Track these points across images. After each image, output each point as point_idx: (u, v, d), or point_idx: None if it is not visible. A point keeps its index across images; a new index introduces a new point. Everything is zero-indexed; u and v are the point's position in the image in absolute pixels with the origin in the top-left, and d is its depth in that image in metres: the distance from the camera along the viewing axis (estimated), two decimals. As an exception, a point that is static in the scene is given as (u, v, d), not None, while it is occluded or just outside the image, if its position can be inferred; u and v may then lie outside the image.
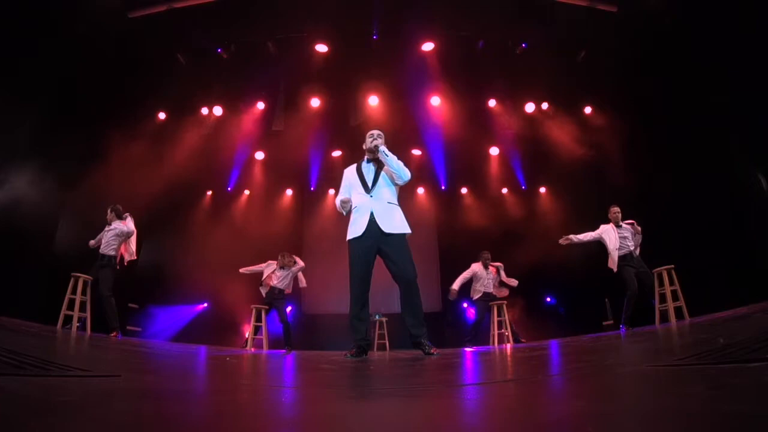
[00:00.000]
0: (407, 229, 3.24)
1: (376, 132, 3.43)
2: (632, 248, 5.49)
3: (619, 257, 5.49)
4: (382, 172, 3.33)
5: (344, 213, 3.35)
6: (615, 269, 5.51)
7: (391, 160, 3.27)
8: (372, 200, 3.23)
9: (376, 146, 3.30)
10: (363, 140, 3.50)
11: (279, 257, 6.50)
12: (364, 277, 3.14)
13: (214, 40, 7.41)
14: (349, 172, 3.48)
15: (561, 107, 8.65)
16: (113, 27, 6.42)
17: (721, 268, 5.80)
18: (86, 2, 5.99)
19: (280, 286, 6.40)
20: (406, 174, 3.30)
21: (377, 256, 3.21)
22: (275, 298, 6.37)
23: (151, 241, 9.24)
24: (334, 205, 3.58)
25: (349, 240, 3.24)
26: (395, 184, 3.36)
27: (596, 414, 0.72)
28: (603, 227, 5.74)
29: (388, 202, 3.26)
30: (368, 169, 3.39)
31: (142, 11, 6.46)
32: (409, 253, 3.16)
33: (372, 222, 3.15)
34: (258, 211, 9.91)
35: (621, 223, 5.62)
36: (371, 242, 3.14)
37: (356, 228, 3.20)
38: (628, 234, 5.53)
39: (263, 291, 6.51)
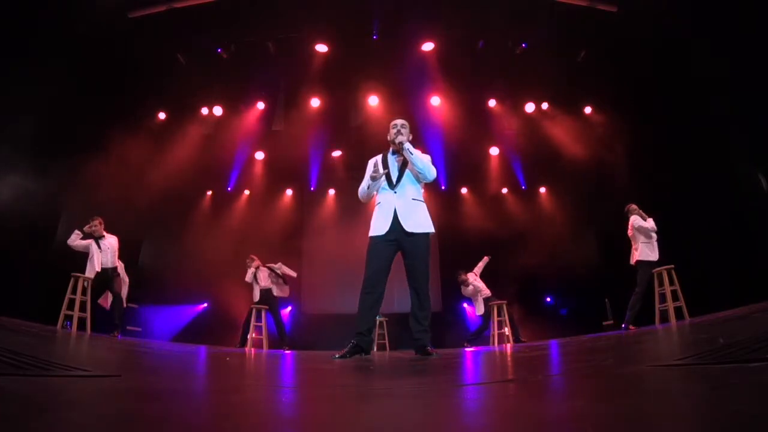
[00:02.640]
0: (430, 228, 3.12)
1: (399, 122, 3.21)
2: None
3: (648, 262, 5.53)
4: (407, 168, 3.18)
5: (371, 183, 3.14)
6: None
7: (416, 159, 3.09)
8: (396, 197, 3.11)
9: (401, 143, 3.11)
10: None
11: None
12: (381, 276, 3.03)
13: (214, 40, 7.41)
14: (374, 161, 3.28)
15: (561, 107, 8.66)
16: (113, 27, 6.42)
17: (721, 268, 5.80)
18: (86, 2, 5.99)
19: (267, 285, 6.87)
20: (431, 173, 3.15)
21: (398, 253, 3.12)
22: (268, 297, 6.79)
23: (151, 241, 9.25)
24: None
25: (372, 237, 3.11)
26: (420, 181, 3.22)
27: (596, 414, 0.72)
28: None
29: (413, 199, 3.13)
30: (393, 163, 3.22)
31: (142, 11, 6.45)
32: (427, 256, 3.08)
33: (395, 220, 3.04)
34: (258, 211, 9.91)
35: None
36: (393, 241, 3.05)
37: (379, 225, 3.08)
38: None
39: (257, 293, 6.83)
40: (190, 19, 6.71)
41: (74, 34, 6.14)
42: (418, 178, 3.18)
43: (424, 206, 3.19)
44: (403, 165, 3.19)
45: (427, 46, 7.72)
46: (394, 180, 3.16)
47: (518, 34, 7.48)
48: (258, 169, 10.04)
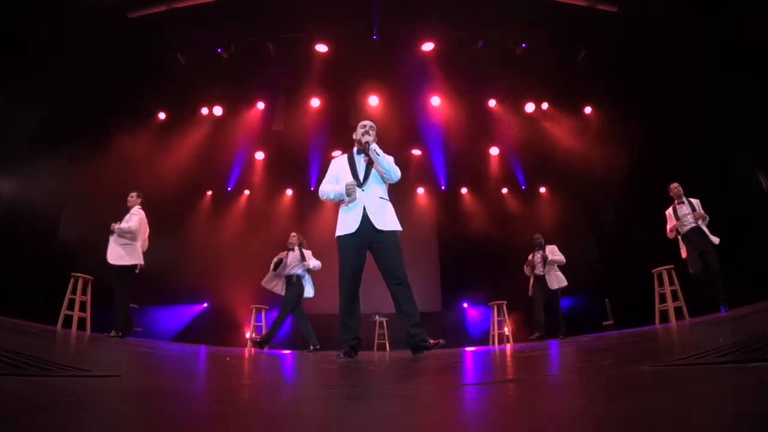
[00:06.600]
0: (399, 227, 3.12)
1: (368, 123, 3.23)
2: (693, 225, 5.10)
3: (682, 235, 5.17)
4: (373, 167, 3.19)
5: (346, 198, 3.10)
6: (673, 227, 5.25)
7: (382, 159, 3.11)
8: (364, 194, 3.09)
9: (367, 143, 3.11)
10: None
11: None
12: (356, 274, 3.04)
13: (214, 40, 7.42)
14: (338, 163, 3.31)
15: (561, 107, 8.66)
16: (113, 27, 6.42)
17: (720, 268, 5.80)
18: (86, 2, 5.99)
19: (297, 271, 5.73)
20: (396, 174, 3.17)
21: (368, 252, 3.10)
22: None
23: (151, 240, 9.23)
24: (334, 204, 3.42)
25: (340, 236, 3.10)
26: (385, 181, 3.23)
27: (596, 414, 0.72)
28: (667, 212, 5.38)
29: (380, 197, 3.13)
30: (359, 162, 3.22)
31: (142, 11, 6.46)
32: (401, 251, 3.06)
33: (365, 218, 3.03)
34: (258, 211, 9.91)
35: (684, 199, 5.26)
36: (364, 239, 3.03)
37: (348, 224, 3.06)
38: (688, 210, 5.18)
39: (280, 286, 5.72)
40: (190, 19, 6.71)
41: (74, 35, 6.14)
42: (383, 178, 3.19)
43: (390, 205, 3.20)
44: (369, 164, 3.20)
45: (427, 46, 7.72)
46: (361, 178, 3.16)
47: (518, 34, 7.48)
48: (258, 169, 10.05)
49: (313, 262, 5.81)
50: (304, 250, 5.82)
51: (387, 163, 3.14)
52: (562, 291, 6.33)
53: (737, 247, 5.71)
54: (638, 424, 0.63)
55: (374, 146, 3.12)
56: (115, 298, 4.86)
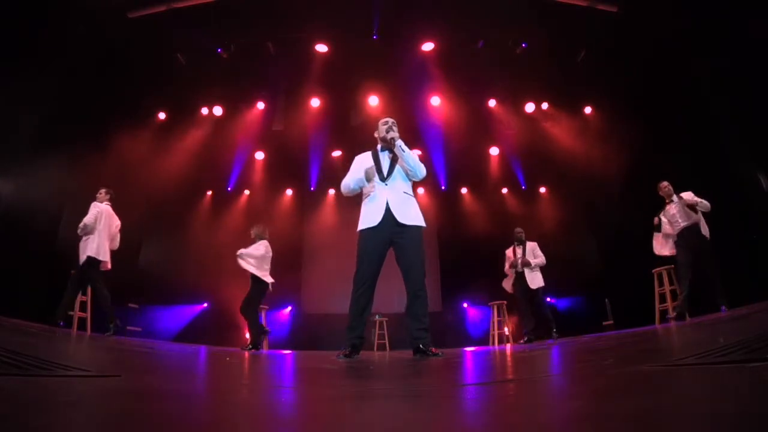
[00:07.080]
0: (423, 222, 3.09)
1: (391, 120, 3.23)
2: (684, 224, 4.96)
3: (677, 235, 5.02)
4: (397, 163, 3.18)
5: (366, 183, 3.11)
6: (660, 253, 5.13)
7: (408, 156, 3.10)
8: (387, 189, 3.08)
9: (393, 139, 3.12)
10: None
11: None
12: (374, 271, 2.99)
13: (214, 40, 7.42)
14: (362, 159, 3.30)
15: (561, 107, 8.66)
16: (113, 27, 6.42)
17: (720, 268, 5.80)
18: (86, 2, 5.99)
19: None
20: (421, 171, 3.16)
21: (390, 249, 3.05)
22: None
23: (151, 241, 9.25)
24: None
25: (362, 230, 3.07)
26: (410, 178, 3.22)
27: (596, 414, 0.72)
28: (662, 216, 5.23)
29: (404, 192, 3.11)
30: (383, 158, 3.22)
31: (142, 11, 6.45)
32: (423, 249, 3.01)
33: (388, 212, 3.00)
34: (258, 211, 9.92)
35: (674, 198, 5.11)
36: (386, 234, 2.99)
37: (371, 218, 3.03)
38: (676, 209, 5.05)
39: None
40: (190, 19, 6.71)
41: (74, 35, 6.14)
42: (408, 174, 3.18)
43: (415, 201, 3.17)
44: (394, 160, 3.20)
45: (427, 46, 7.72)
46: (385, 173, 3.14)
47: (518, 34, 7.48)
48: (258, 169, 10.06)
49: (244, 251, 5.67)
50: (261, 244, 5.78)
51: (413, 159, 3.14)
52: (544, 289, 6.11)
53: (737, 247, 5.71)
54: (638, 424, 0.63)
55: (400, 142, 3.13)
56: (96, 297, 4.90)
